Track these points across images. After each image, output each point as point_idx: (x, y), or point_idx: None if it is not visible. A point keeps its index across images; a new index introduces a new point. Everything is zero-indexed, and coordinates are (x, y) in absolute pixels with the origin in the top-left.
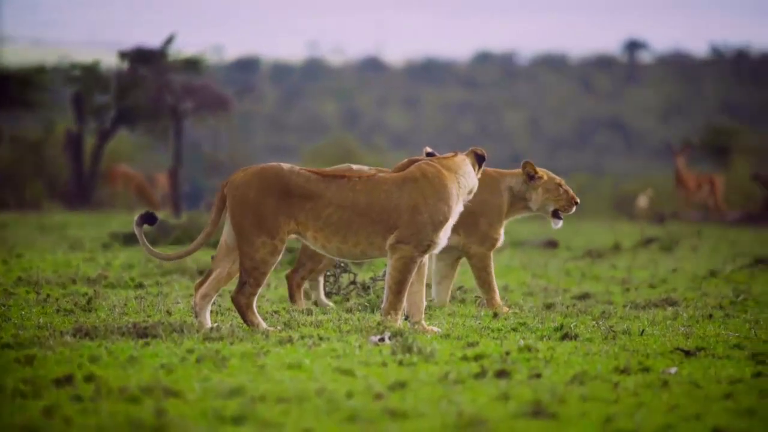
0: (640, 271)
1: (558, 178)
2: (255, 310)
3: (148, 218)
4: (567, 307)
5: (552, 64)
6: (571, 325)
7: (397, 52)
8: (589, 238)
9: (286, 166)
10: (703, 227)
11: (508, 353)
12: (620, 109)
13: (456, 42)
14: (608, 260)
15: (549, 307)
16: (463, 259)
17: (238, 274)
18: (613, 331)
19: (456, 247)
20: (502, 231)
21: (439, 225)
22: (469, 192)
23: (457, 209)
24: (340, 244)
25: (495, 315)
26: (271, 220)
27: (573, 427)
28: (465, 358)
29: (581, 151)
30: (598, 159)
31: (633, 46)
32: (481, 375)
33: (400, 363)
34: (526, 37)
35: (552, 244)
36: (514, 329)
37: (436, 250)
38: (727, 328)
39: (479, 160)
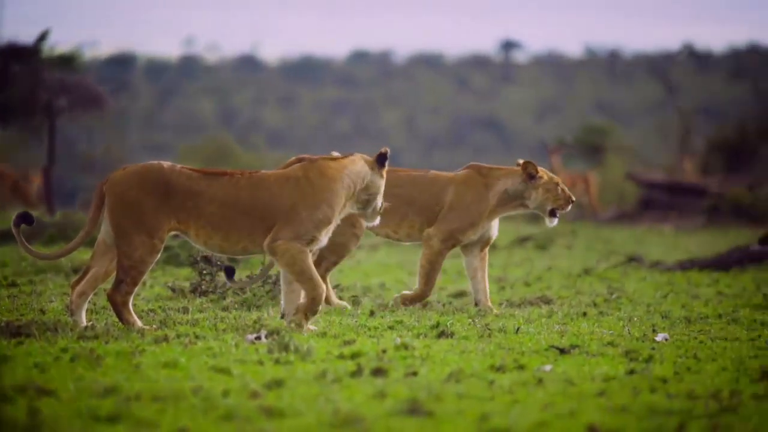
0: (515, 269)
1: (556, 178)
2: (131, 308)
3: (25, 218)
4: (443, 305)
5: (428, 62)
6: (448, 323)
7: (274, 50)
8: None
9: (166, 164)
10: (577, 225)
11: (384, 351)
12: (496, 108)
13: (332, 40)
14: None
15: (425, 305)
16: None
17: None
18: (489, 329)
19: (484, 238)
20: (472, 234)
21: (320, 224)
22: (367, 191)
23: (345, 209)
24: (221, 241)
25: (405, 303)
26: (151, 218)
27: (449, 424)
28: (342, 356)
29: (457, 149)
30: (474, 158)
31: (508, 45)
32: (357, 373)
33: (277, 361)
34: (402, 35)
35: None
36: (391, 327)
37: (320, 245)
38: (601, 325)
39: (379, 159)
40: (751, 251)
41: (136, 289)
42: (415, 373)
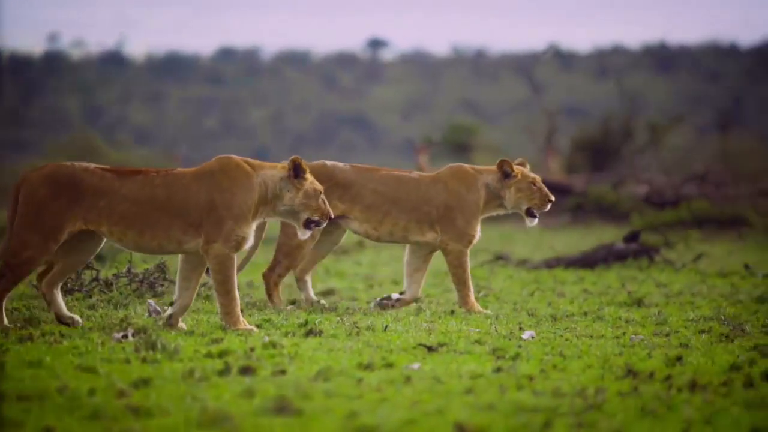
0: (383, 267)
1: (532, 176)
2: (2, 306)
3: None
4: (312, 303)
5: (295, 60)
6: (316, 322)
7: (139, 46)
8: None
9: (79, 165)
10: None
11: (252, 349)
12: (363, 106)
13: (199, 37)
14: (353, 257)
15: (294, 303)
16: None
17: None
18: (357, 327)
19: (432, 243)
20: (478, 228)
21: (240, 218)
22: (283, 202)
23: (259, 213)
24: (136, 238)
25: (468, 310)
26: (52, 220)
27: (317, 422)
28: (209, 354)
29: (325, 147)
30: (341, 156)
31: (375, 44)
32: (225, 371)
33: (144, 360)
34: (269, 33)
35: None
36: (259, 326)
37: (247, 245)
38: (469, 323)
39: (296, 169)
40: (615, 249)
41: (13, 287)
42: (283, 372)
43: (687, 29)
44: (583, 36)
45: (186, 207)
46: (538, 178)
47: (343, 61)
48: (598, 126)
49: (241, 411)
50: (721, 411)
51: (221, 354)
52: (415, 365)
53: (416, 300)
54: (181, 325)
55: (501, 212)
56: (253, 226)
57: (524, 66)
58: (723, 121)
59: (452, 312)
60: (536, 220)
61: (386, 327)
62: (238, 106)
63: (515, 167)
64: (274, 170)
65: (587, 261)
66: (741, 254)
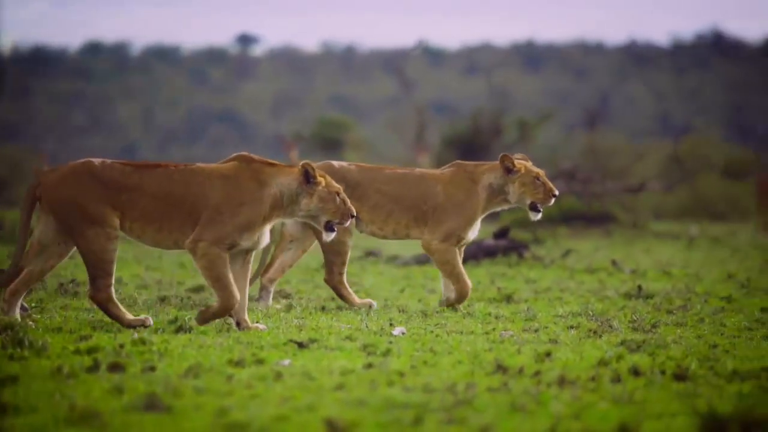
0: (256, 263)
1: (536, 170)
2: (117, 302)
3: None
4: (182, 299)
5: (164, 55)
6: (186, 318)
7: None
8: None
9: (97, 160)
10: None
11: (122, 346)
12: (233, 101)
13: (65, 31)
14: None
15: (163, 299)
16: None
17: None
18: (228, 324)
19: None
20: (470, 230)
21: (242, 227)
22: (300, 208)
23: (272, 219)
24: (155, 234)
25: (449, 306)
26: (95, 209)
27: (187, 419)
28: (78, 351)
29: (195, 143)
30: (211, 151)
31: (245, 39)
32: (94, 368)
33: (11, 357)
34: (138, 28)
35: None
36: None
37: (241, 248)
38: (339, 320)
39: (306, 175)
40: (485, 245)
41: (113, 280)
42: (152, 368)
43: (554, 28)
44: (453, 33)
45: (200, 205)
46: (542, 172)
47: (213, 56)
48: (468, 122)
49: (110, 408)
50: (589, 406)
51: (90, 351)
52: (286, 361)
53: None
54: (257, 325)
55: (505, 207)
56: (266, 228)
57: (394, 62)
58: (590, 118)
59: (323, 308)
60: (540, 215)
61: (257, 323)
62: (106, 101)
63: (518, 162)
64: (290, 176)
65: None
66: (608, 250)
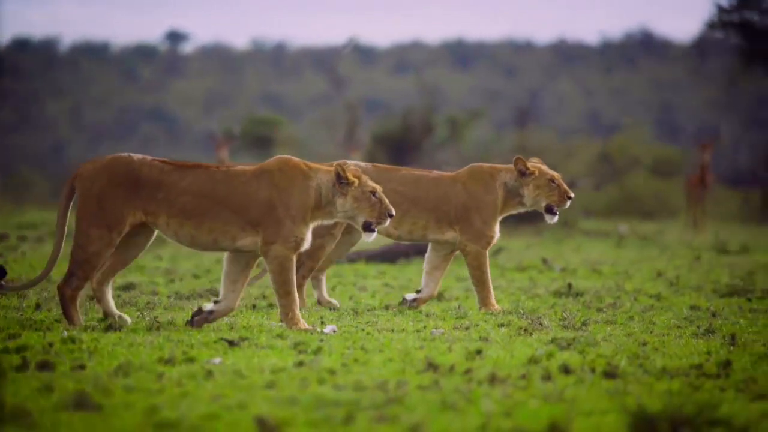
0: (184, 261)
1: (551, 173)
2: (77, 305)
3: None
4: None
5: (93, 52)
6: (116, 316)
7: None
8: None
9: (136, 156)
10: None
11: (51, 345)
12: (163, 99)
13: None
14: (153, 252)
15: (93, 298)
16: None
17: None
18: (158, 322)
19: (452, 242)
20: (497, 228)
21: (297, 219)
22: (336, 209)
23: (314, 216)
24: (193, 231)
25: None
26: (114, 212)
27: (117, 418)
28: (6, 350)
29: (125, 141)
30: (142, 149)
31: (174, 36)
32: (23, 367)
33: None
34: (67, 24)
35: None
36: (58, 320)
37: (305, 247)
38: (270, 318)
39: (337, 176)
40: (417, 243)
41: (86, 284)
42: (82, 367)
43: (484, 26)
44: (383, 31)
45: (245, 204)
46: (557, 175)
47: (143, 53)
48: (398, 120)
49: (39, 407)
50: (519, 404)
51: (19, 349)
52: (217, 360)
53: (432, 298)
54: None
55: (521, 210)
56: (310, 228)
57: (325, 60)
58: (520, 116)
59: (254, 306)
60: (556, 218)
61: (187, 321)
62: (34, 98)
63: (532, 165)
64: (328, 175)
65: (388, 255)
66: (539, 248)
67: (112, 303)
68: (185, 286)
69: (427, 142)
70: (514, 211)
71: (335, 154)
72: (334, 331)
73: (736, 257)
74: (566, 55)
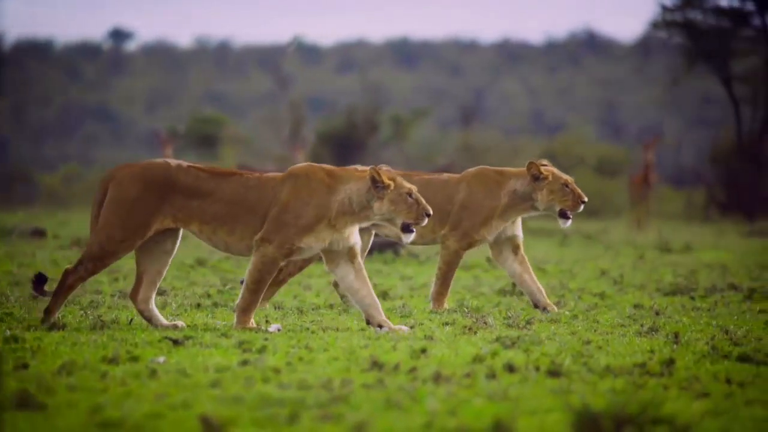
0: (128, 259)
1: (564, 177)
2: (65, 297)
3: (42, 280)
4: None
5: (37, 50)
6: (59, 315)
7: None
8: (77, 227)
9: (173, 162)
10: None
11: None
12: (107, 98)
13: None
14: None
15: (35, 297)
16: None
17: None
18: (102, 321)
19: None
20: (486, 233)
21: (303, 229)
22: (373, 213)
23: (342, 225)
24: (226, 237)
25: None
26: (142, 218)
27: (61, 417)
28: None
29: (68, 140)
30: (85, 148)
31: (118, 35)
32: None
33: None
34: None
35: (39, 233)
36: (1, 320)
37: (303, 256)
38: (215, 316)
39: (372, 181)
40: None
41: (91, 278)
42: (25, 366)
43: (429, 25)
44: (328, 29)
45: (270, 208)
46: (570, 179)
47: (86, 52)
48: (343, 119)
49: None
50: (464, 402)
51: None
52: (161, 359)
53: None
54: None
55: (533, 214)
56: (345, 233)
57: (269, 58)
58: (465, 115)
59: (198, 305)
60: (569, 222)
61: (131, 320)
62: None
63: (545, 169)
64: (360, 182)
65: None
66: (483, 248)
67: (161, 318)
68: (129, 283)
69: (372, 141)
70: (525, 215)
71: (280, 153)
72: (279, 330)
73: (680, 256)
74: (511, 54)
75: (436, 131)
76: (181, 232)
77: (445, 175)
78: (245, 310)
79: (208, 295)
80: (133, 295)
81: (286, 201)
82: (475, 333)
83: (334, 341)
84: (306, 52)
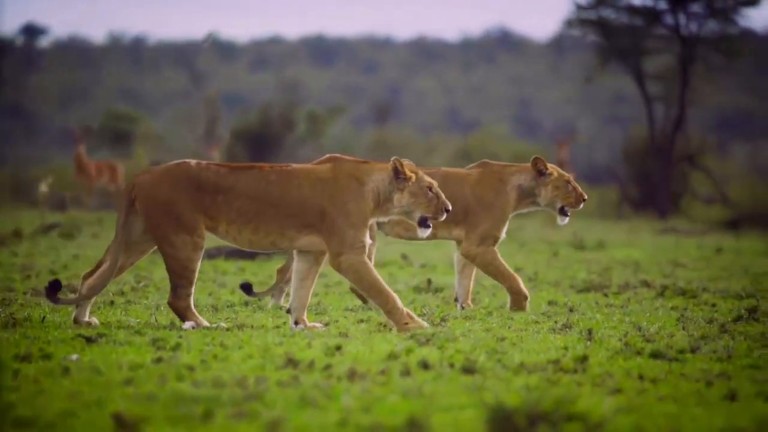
0: (41, 257)
1: (567, 175)
2: (194, 310)
3: (56, 286)
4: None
5: None
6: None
7: None
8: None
9: (193, 162)
10: (104, 214)
11: None
12: (19, 94)
13: None
14: (9, 247)
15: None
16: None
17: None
18: (14, 319)
19: (459, 239)
20: (504, 229)
21: (358, 225)
22: (394, 205)
23: (373, 217)
24: (251, 235)
25: (518, 304)
26: (188, 216)
27: None
28: None
29: None
30: None
31: (31, 30)
32: None
33: None
34: None
35: None
36: None
37: (368, 249)
38: (129, 314)
39: (395, 172)
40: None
41: (194, 289)
42: None
43: (344, 22)
44: (243, 26)
45: (301, 207)
46: (571, 177)
47: None
48: (258, 115)
49: None
50: (379, 399)
51: None
52: (74, 356)
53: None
54: (315, 324)
55: (533, 209)
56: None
57: (184, 55)
58: (380, 112)
59: (112, 303)
60: (568, 219)
61: (44, 318)
62: None
63: (549, 165)
64: (383, 173)
65: (248, 251)
66: (398, 244)
67: (88, 311)
68: (42, 281)
69: (288, 138)
70: (525, 210)
71: (195, 150)
72: (193, 327)
73: (593, 253)
74: (426, 51)
75: (352, 128)
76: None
77: (443, 170)
78: (391, 312)
79: (122, 293)
80: (86, 276)
81: (325, 207)
82: (390, 330)
83: (248, 339)
84: (221, 49)
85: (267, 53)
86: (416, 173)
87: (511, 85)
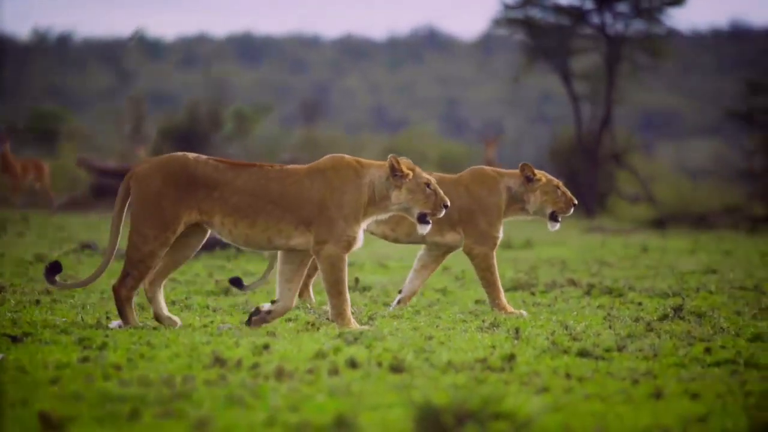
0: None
1: (556, 180)
2: (133, 305)
3: (56, 268)
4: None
5: None
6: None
7: None
8: None
9: (191, 155)
10: (29, 213)
11: None
12: None
13: None
14: None
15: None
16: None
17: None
18: None
19: (451, 244)
20: (501, 229)
21: (350, 218)
22: (392, 203)
23: (369, 214)
24: (247, 230)
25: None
26: (170, 212)
27: None
28: None
29: None
30: None
31: None
32: None
33: None
34: None
35: None
36: None
37: (357, 246)
38: (55, 313)
39: (391, 169)
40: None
41: (141, 285)
42: None
43: (272, 20)
44: (169, 24)
45: (298, 203)
46: (560, 182)
47: None
48: (185, 114)
49: None
50: (306, 398)
51: None
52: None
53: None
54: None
55: (522, 216)
56: (363, 226)
57: (110, 53)
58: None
59: (37, 302)
60: (558, 225)
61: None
62: None
63: (538, 171)
64: (380, 170)
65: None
66: None
67: (163, 305)
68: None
69: (215, 136)
70: (512, 217)
71: (121, 148)
72: (120, 327)
73: (520, 252)
74: (353, 50)
75: (280, 127)
76: (208, 233)
77: (435, 174)
78: (341, 314)
79: (48, 292)
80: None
81: (323, 197)
82: (318, 329)
83: (176, 337)
84: (148, 46)
85: (194, 51)
86: (413, 170)
87: (438, 84)
